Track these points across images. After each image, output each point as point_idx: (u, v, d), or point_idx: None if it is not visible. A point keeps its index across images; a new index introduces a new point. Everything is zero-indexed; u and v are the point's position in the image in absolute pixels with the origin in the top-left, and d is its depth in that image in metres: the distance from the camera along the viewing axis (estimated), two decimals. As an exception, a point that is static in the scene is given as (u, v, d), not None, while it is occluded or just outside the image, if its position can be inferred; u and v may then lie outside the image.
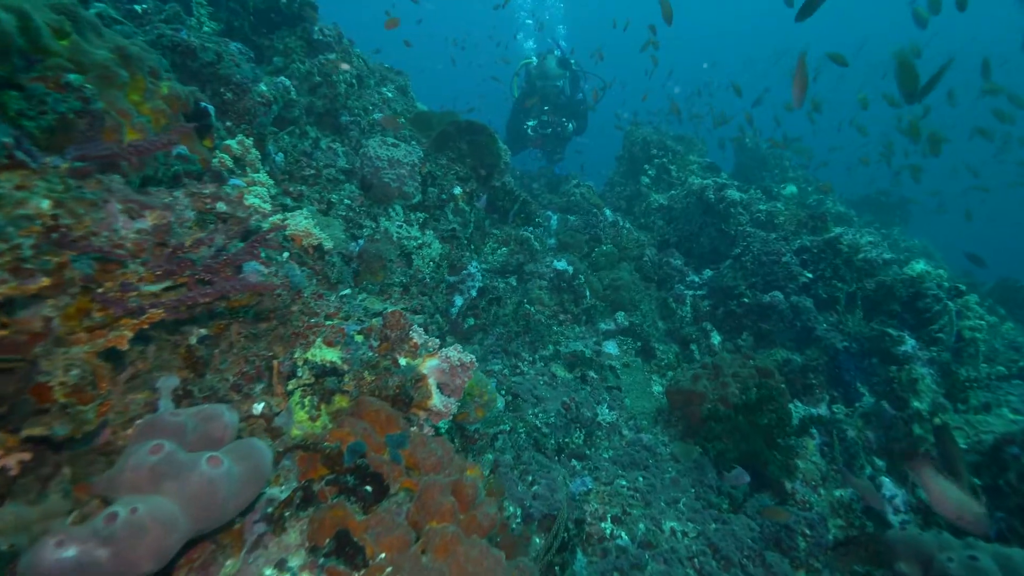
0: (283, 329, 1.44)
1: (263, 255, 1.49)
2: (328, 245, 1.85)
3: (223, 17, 3.09)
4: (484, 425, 2.36)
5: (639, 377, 3.84)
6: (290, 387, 1.37)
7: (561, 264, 4.17)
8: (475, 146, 3.93)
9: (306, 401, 1.37)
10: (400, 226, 2.92)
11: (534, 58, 7.19)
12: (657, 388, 3.80)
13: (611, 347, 4.06)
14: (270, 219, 1.80)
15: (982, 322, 3.57)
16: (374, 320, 1.58)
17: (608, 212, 5.12)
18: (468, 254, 3.27)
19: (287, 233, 1.72)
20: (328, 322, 1.54)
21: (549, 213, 5.10)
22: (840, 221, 6.41)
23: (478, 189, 4.04)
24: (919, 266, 3.79)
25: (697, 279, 4.46)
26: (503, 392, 2.98)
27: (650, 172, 6.47)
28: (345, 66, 3.28)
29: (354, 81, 3.53)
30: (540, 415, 2.86)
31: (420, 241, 2.79)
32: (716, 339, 3.92)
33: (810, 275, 3.75)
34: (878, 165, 9.47)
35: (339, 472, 1.22)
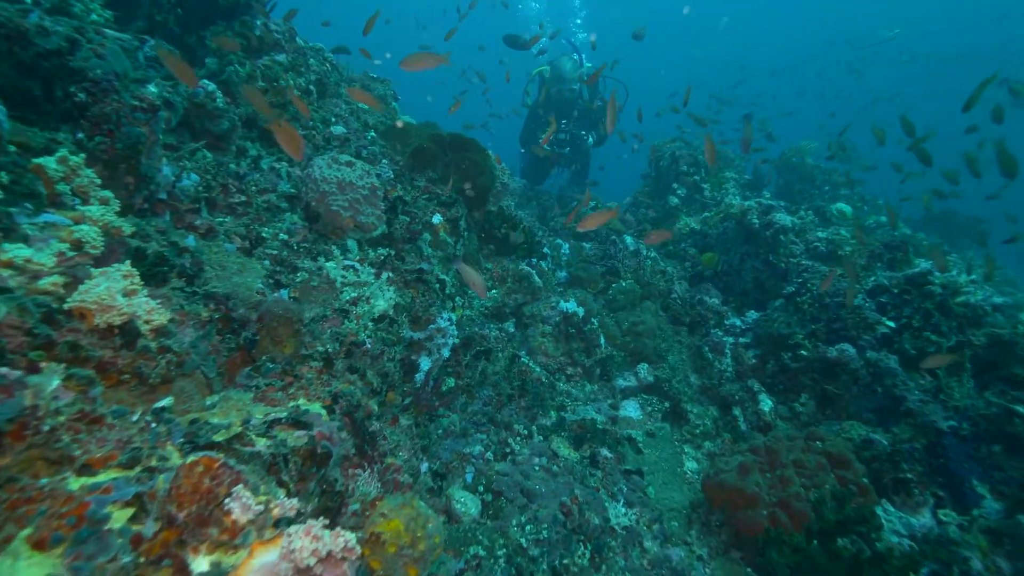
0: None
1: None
2: (160, 319, 1.16)
3: (144, 13, 2.51)
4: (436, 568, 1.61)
5: (667, 451, 3.02)
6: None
7: (570, 305, 3.42)
8: (463, 164, 3.25)
9: None
10: (347, 268, 2.23)
11: (547, 66, 6.54)
12: (691, 465, 2.97)
13: (631, 409, 3.26)
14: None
15: None
16: (160, 480, 0.87)
17: (629, 239, 4.35)
18: (441, 301, 2.55)
19: (67, 307, 1.04)
20: (74, 484, 0.84)
21: (559, 241, 4.37)
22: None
23: (466, 216, 3.35)
24: (1040, 312, 2.88)
25: (739, 323, 3.63)
26: (481, 489, 2.23)
27: (679, 191, 5.68)
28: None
29: (311, 87, 2.90)
30: (529, 526, 2.09)
31: (357, 294, 2.08)
32: (767, 403, 3.08)
33: (891, 323, 2.89)
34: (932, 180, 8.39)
35: None
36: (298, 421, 1.29)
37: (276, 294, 1.96)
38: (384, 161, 2.97)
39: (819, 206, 5.38)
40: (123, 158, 1.65)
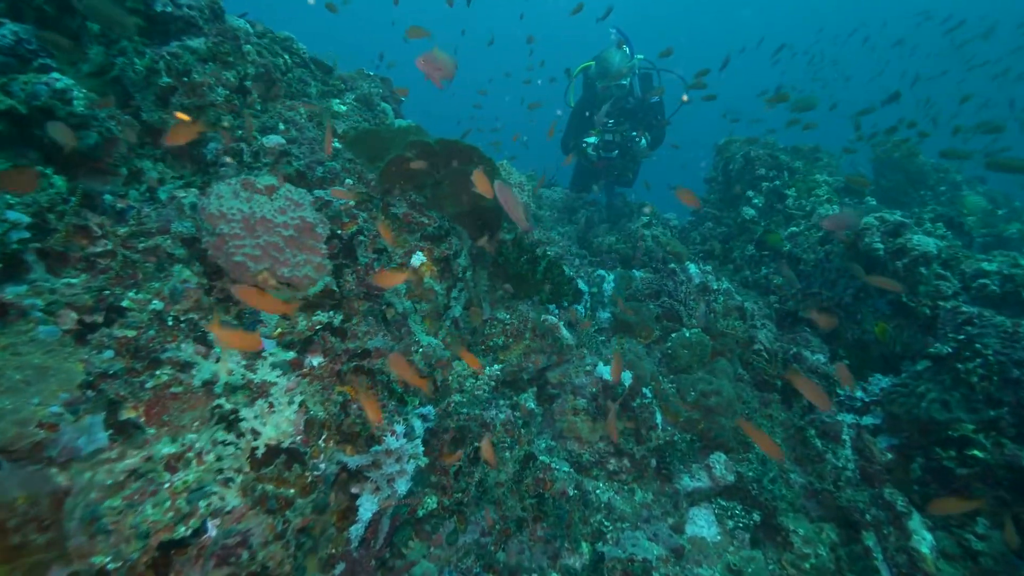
0: None
1: None
2: None
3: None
4: None
5: (761, 603, 2.00)
6: None
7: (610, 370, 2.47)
8: (461, 181, 2.38)
9: None
10: (239, 364, 1.41)
11: (592, 62, 5.59)
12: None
13: (703, 523, 2.27)
14: None
15: None
16: None
17: (693, 268, 3.33)
18: (398, 401, 1.68)
19: None
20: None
21: (601, 273, 3.41)
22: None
23: (469, 249, 2.48)
24: None
25: (860, 394, 2.54)
26: None
27: (756, 201, 4.57)
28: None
29: (247, 84, 2.13)
30: None
31: (238, 410, 1.24)
32: (924, 539, 2.00)
33: None
34: None
35: None
36: None
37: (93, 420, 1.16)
38: (348, 180, 2.15)
39: (947, 216, 4.11)
40: None
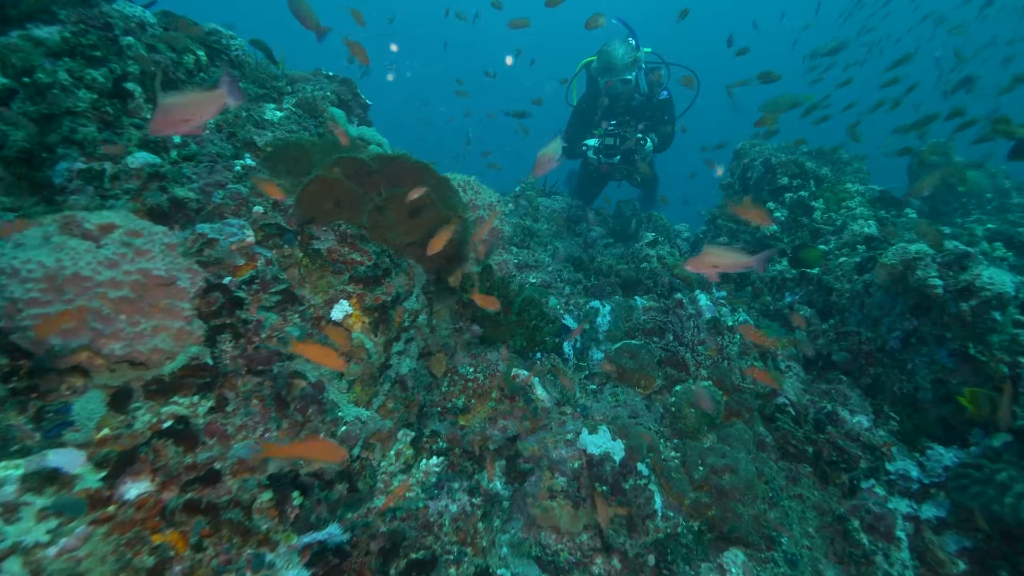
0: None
1: None
2: None
3: None
4: None
5: None
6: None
7: (598, 440, 1.97)
8: (410, 206, 1.89)
9: None
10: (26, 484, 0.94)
11: (595, 57, 5.07)
12: None
13: (714, 646, 1.75)
14: None
15: None
16: None
17: (704, 299, 2.80)
18: (258, 542, 1.20)
19: None
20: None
21: (596, 304, 2.90)
22: None
23: (418, 292, 2.00)
24: None
25: (915, 471, 2.01)
26: None
27: (778, 214, 4.02)
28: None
29: (127, 87, 1.67)
30: None
31: None
32: None
33: None
34: None
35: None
36: None
37: None
38: (257, 208, 1.68)
39: (1005, 234, 3.52)
40: None
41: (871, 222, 3.62)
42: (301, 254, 1.69)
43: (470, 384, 2.04)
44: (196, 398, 1.25)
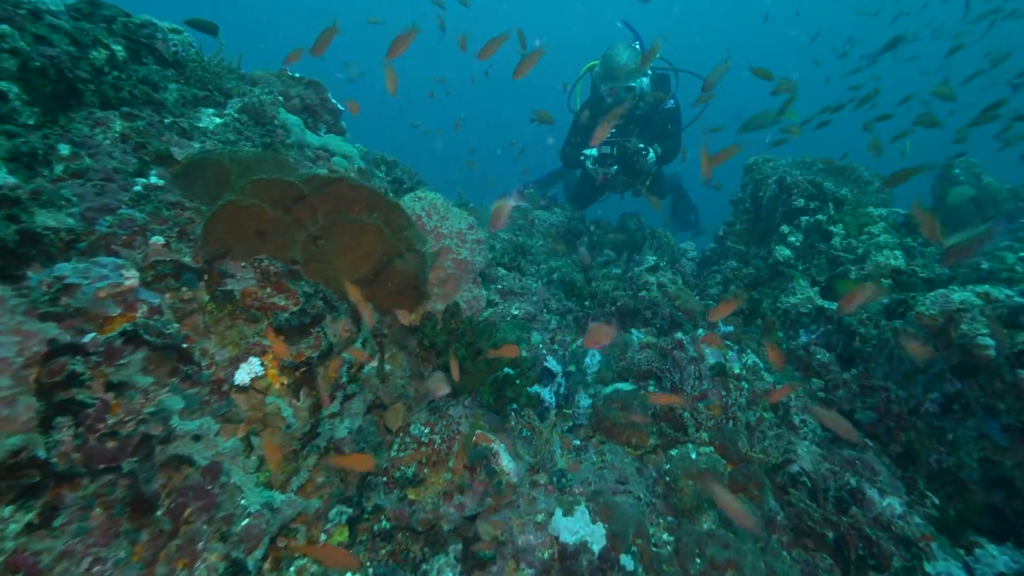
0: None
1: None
2: None
3: None
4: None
5: None
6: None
7: (574, 524, 1.63)
8: (351, 235, 1.57)
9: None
10: None
11: (598, 62, 4.73)
12: None
13: None
14: None
15: None
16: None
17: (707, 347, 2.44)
18: None
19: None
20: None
21: (589, 355, 2.56)
22: None
23: (365, 338, 1.67)
24: None
25: (961, 574, 1.65)
26: None
27: (792, 239, 3.66)
28: None
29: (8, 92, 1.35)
30: None
31: None
32: None
33: None
34: None
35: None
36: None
37: None
38: (156, 239, 1.36)
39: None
40: None
41: (897, 252, 3.26)
42: (208, 297, 1.36)
43: (424, 448, 1.71)
44: (9, 509, 0.93)
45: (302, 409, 1.41)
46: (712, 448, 1.96)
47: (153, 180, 1.48)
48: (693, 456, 1.92)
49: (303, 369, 1.41)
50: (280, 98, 2.27)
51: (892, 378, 2.21)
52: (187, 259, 1.37)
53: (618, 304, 3.23)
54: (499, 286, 2.98)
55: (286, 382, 1.37)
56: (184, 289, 1.31)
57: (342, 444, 1.59)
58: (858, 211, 3.70)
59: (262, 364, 1.32)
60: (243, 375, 1.28)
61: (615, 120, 2.20)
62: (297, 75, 2.77)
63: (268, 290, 1.43)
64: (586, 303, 3.38)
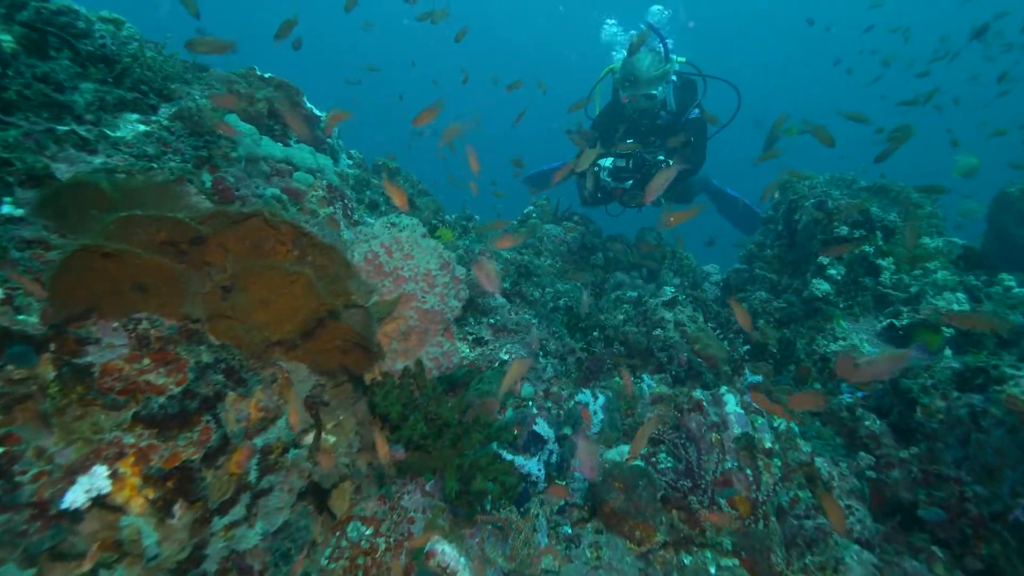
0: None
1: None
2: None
3: None
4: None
5: None
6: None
7: None
8: (279, 283, 1.20)
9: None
10: None
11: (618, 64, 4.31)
12: None
13: None
14: None
15: None
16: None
17: (732, 402, 2.01)
18: None
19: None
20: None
21: (585, 398, 2.15)
22: None
23: (273, 424, 1.28)
24: None
25: None
26: None
27: (832, 271, 3.20)
28: None
29: None
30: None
31: None
32: None
33: None
34: None
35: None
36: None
37: None
38: (-9, 293, 1.00)
39: None
40: None
41: (960, 294, 2.78)
42: (53, 374, 1.00)
43: (361, 559, 1.32)
44: None
45: (178, 529, 1.04)
46: (737, 561, 1.54)
47: (6, 210, 1.13)
48: (712, 572, 1.50)
49: (178, 479, 1.04)
50: (263, 103, 1.91)
51: (967, 468, 1.76)
52: (33, 319, 1.01)
53: (628, 341, 2.81)
54: (492, 320, 2.58)
55: (152, 495, 1.01)
56: (10, 367, 0.95)
57: (249, 557, 1.21)
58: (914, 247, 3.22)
59: (114, 475, 0.95)
60: (78, 494, 0.92)
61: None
62: (267, 75, 2.43)
63: (145, 362, 1.06)
64: (594, 333, 2.96)
